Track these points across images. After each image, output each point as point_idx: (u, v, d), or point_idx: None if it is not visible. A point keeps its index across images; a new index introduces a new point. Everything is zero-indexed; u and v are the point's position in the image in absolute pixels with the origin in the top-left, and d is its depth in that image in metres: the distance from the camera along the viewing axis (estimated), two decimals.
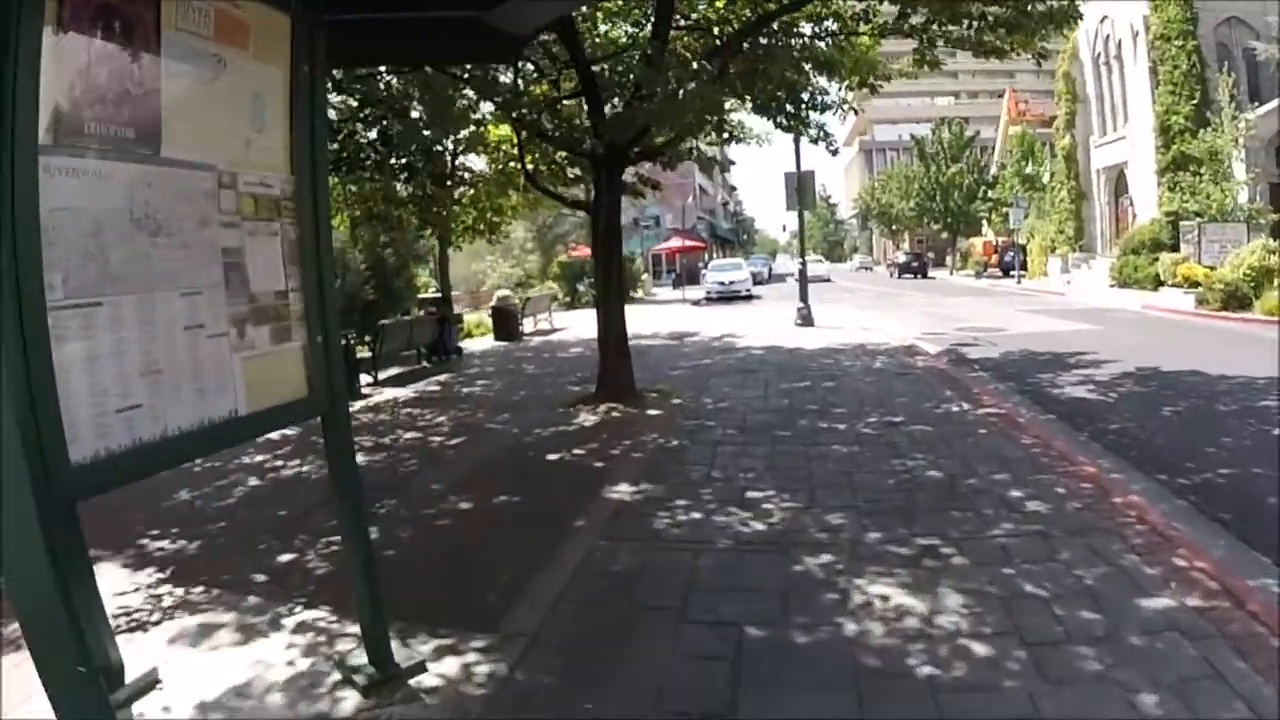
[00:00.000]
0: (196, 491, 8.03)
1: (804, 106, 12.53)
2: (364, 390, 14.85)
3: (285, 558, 6.08)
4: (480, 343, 23.23)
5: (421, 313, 19.67)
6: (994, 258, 53.39)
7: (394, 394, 14.57)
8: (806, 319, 21.20)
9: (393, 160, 14.01)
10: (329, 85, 13.34)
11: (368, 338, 16.88)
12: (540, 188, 14.08)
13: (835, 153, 15.02)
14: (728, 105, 12.82)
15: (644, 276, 46.31)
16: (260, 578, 5.67)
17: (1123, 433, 9.31)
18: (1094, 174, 42.09)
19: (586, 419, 10.92)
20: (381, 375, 16.16)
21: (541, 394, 13.45)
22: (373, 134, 14.53)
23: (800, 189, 20.92)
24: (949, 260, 64.22)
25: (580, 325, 25.93)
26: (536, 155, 14.11)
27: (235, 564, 5.93)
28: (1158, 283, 29.84)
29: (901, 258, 59.79)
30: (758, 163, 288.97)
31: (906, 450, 8.33)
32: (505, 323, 23.31)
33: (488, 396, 13.94)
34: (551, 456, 9.12)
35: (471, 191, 21.38)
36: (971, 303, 30.43)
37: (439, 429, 11.21)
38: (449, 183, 18.80)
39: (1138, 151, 36.60)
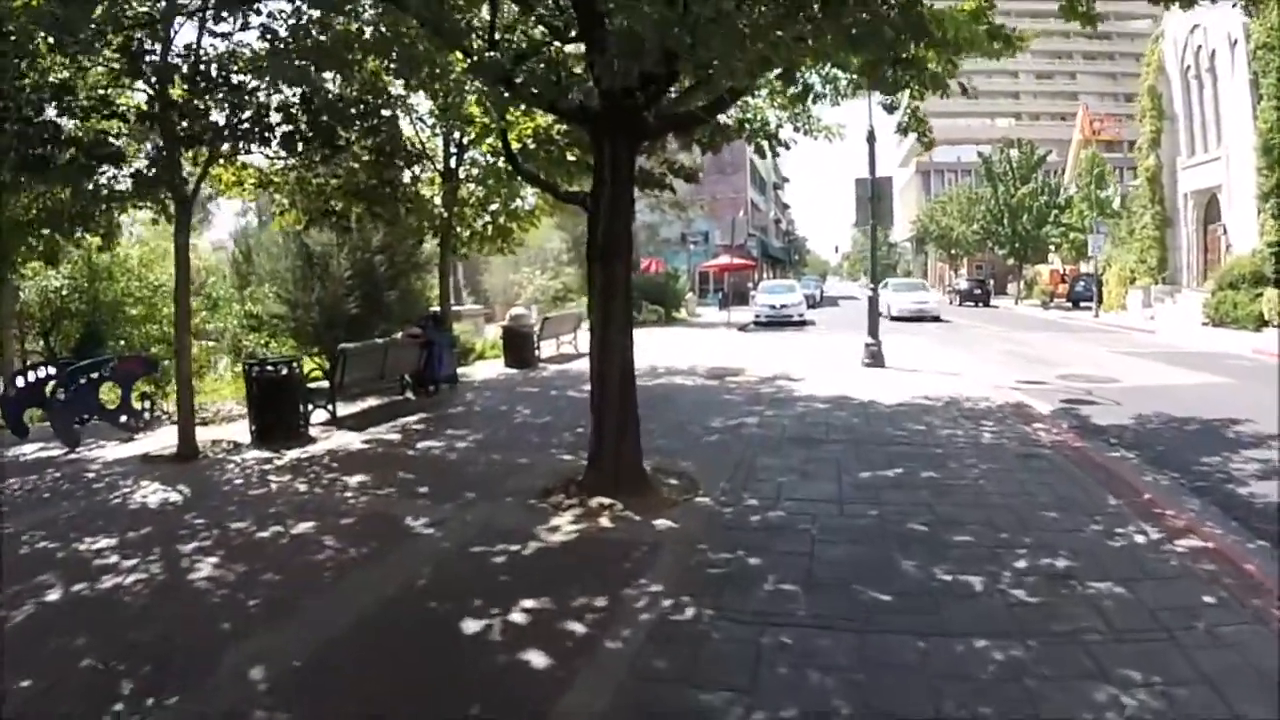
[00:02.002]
0: None
1: (900, 68, 8.24)
2: (313, 432, 11.79)
3: None
4: (488, 368, 19.38)
5: (400, 334, 15.66)
6: (1061, 287, 48.94)
7: (340, 442, 11.13)
8: (876, 358, 16.89)
9: (305, 130, 9.87)
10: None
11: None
12: (526, 174, 9.93)
13: (931, 145, 11.80)
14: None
15: (688, 296, 42.14)
16: None
17: None
18: (1181, 198, 37.55)
19: (559, 530, 6.91)
20: (345, 410, 13.13)
21: (519, 462, 9.51)
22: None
23: (875, 199, 16.61)
24: (1011, 288, 59.64)
25: None
26: (525, 130, 10.04)
27: None
28: (1261, 322, 26.24)
29: (963, 284, 55.03)
30: (809, 179, 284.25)
31: (1108, 655, 4.37)
32: (518, 346, 19.32)
33: (447, 459, 10.08)
34: (471, 627, 5.07)
35: (481, 191, 17.43)
36: (1053, 340, 25.98)
37: (338, 524, 7.34)
38: (439, 174, 14.63)
39: (1234, 174, 32.35)
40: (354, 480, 8.90)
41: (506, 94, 7.23)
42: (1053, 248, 53.99)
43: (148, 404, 12.70)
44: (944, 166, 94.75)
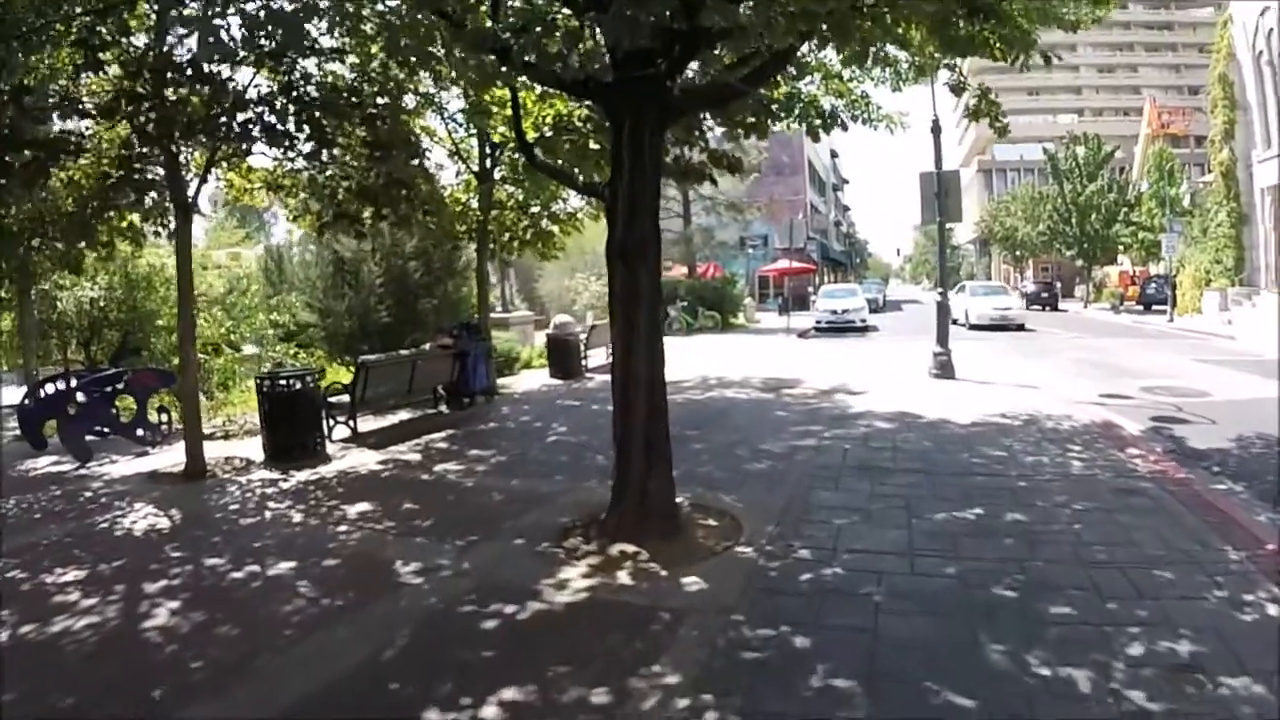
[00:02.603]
0: None
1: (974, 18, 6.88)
2: (331, 449, 11.17)
3: None
4: (533, 378, 18.25)
5: (429, 344, 14.62)
6: (1131, 289, 46.56)
7: (355, 462, 10.35)
8: (945, 369, 15.42)
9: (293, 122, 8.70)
10: None
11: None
12: (542, 166, 8.70)
13: (1005, 131, 10.25)
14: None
15: (746, 301, 40.73)
16: None
17: None
18: (1258, 193, 35.07)
19: (568, 586, 5.75)
20: (373, 425, 12.68)
21: (541, 490, 8.40)
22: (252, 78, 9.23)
23: (942, 193, 15.13)
24: (1079, 290, 57.24)
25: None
26: (544, 116, 8.84)
27: None
28: None
29: (1030, 286, 52.59)
30: (870, 181, 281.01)
31: None
32: (563, 356, 18.16)
33: (464, 485, 9.02)
34: None
35: (519, 194, 16.37)
36: (1129, 347, 24.02)
37: (320, 567, 6.46)
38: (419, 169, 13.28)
39: None
40: (355, 510, 8.00)
41: (502, 67, 6.01)
42: (1122, 248, 51.55)
43: (165, 417, 12.03)
44: (1006, 165, 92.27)
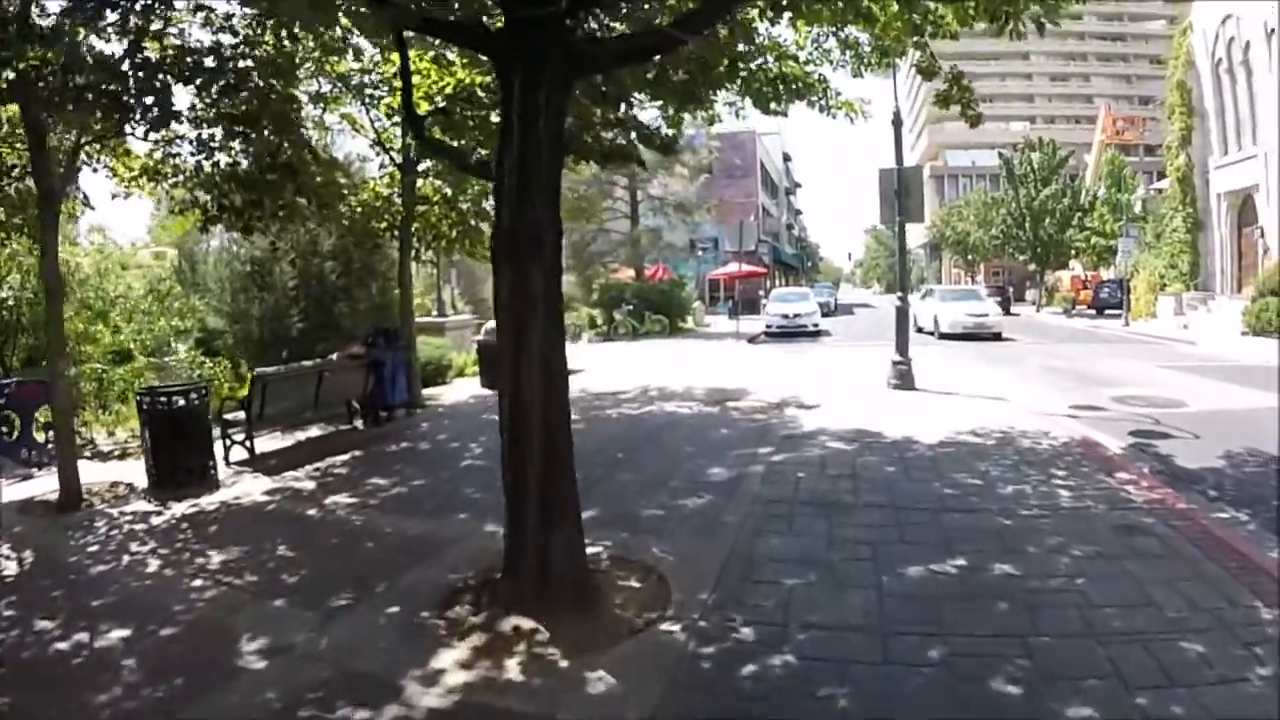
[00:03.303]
0: None
1: None
2: (225, 473, 9.91)
3: None
4: (465, 388, 16.83)
5: (335, 355, 13.17)
6: (1083, 294, 46.05)
7: (244, 490, 9.07)
8: (905, 379, 14.17)
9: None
10: None
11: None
12: (429, 143, 7.27)
13: (978, 120, 9.69)
14: None
15: (695, 305, 39.46)
16: None
17: None
18: (1214, 199, 34.70)
19: (441, 680, 4.39)
20: (276, 444, 11.40)
21: (438, 535, 7.01)
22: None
23: (903, 191, 13.88)
24: (1030, 295, 56.89)
25: (603, 368, 20.04)
26: (441, 85, 7.45)
27: None
28: None
29: (983, 290, 51.95)
30: (822, 185, 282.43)
31: None
32: (494, 364, 16.64)
33: (351, 525, 7.60)
34: None
35: (446, 188, 14.98)
36: (1090, 353, 23.03)
37: (154, 639, 5.19)
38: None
39: (1272, 173, 29.54)
40: (220, 559, 6.67)
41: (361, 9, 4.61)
42: (1075, 252, 51.15)
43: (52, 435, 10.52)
44: (958, 171, 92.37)
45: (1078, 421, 11.48)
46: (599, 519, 6.81)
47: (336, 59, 11.24)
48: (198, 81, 7.62)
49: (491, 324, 17.86)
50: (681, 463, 9.17)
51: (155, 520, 7.90)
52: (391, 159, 14.45)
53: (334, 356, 13.00)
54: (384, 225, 15.06)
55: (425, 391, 16.14)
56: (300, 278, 15.45)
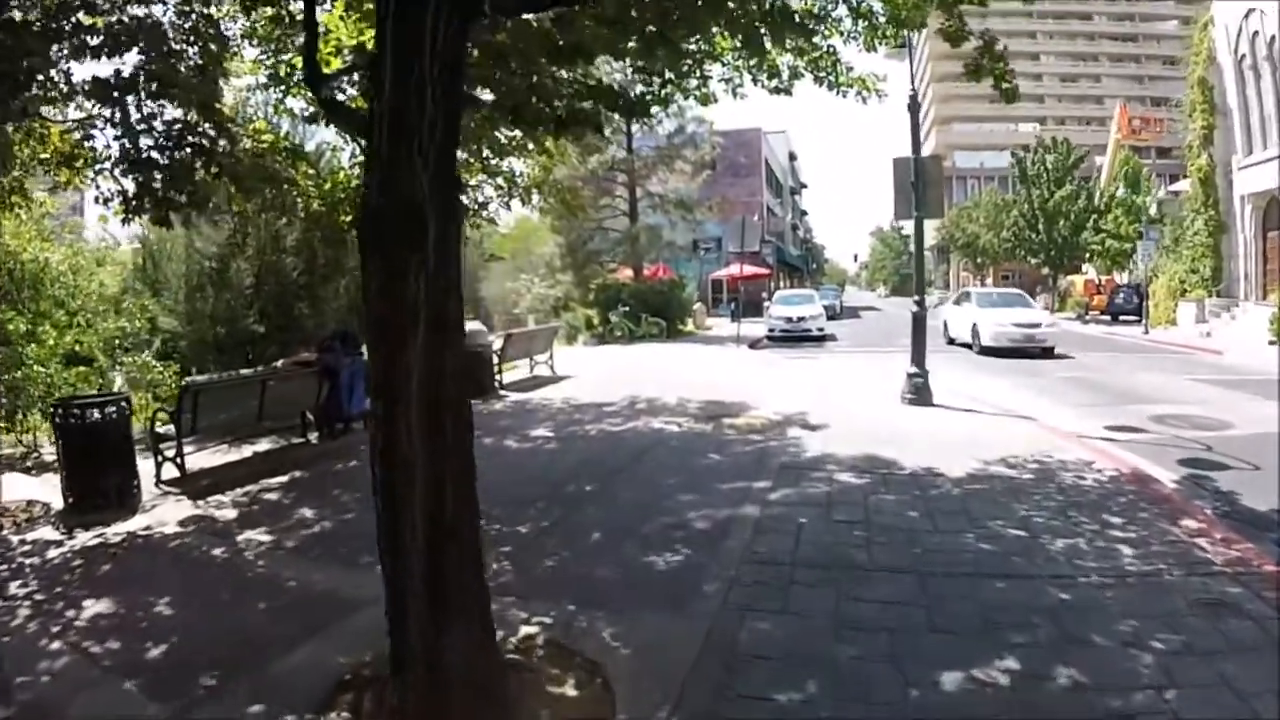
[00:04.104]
0: None
1: None
2: (151, 494, 8.64)
3: None
4: None
5: (281, 362, 11.75)
6: (1097, 299, 44.37)
7: (161, 518, 7.79)
8: (921, 393, 12.62)
9: None
10: None
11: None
12: (332, 107, 5.77)
13: (1013, 95, 8.50)
14: None
15: (696, 307, 37.91)
16: None
17: None
18: (1237, 201, 33.08)
19: None
20: (218, 460, 10.16)
21: (343, 593, 5.59)
22: None
23: (921, 180, 12.29)
24: (1041, 299, 55.32)
25: (592, 374, 18.63)
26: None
27: None
28: None
29: None
30: (827, 184, 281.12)
31: None
32: (475, 369, 15.22)
33: (255, 571, 6.32)
34: None
35: None
36: (1114, 363, 21.23)
37: None
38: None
39: None
40: (93, 613, 5.47)
41: None
42: (1089, 255, 49.59)
43: None
44: (966, 173, 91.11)
45: (1120, 448, 9.99)
46: (544, 579, 5.48)
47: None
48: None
49: (470, 326, 16.46)
50: (661, 499, 7.66)
51: (51, 553, 6.78)
52: (359, 145, 13.09)
53: (279, 363, 11.57)
54: (350, 218, 13.70)
55: None
56: (259, 275, 13.99)
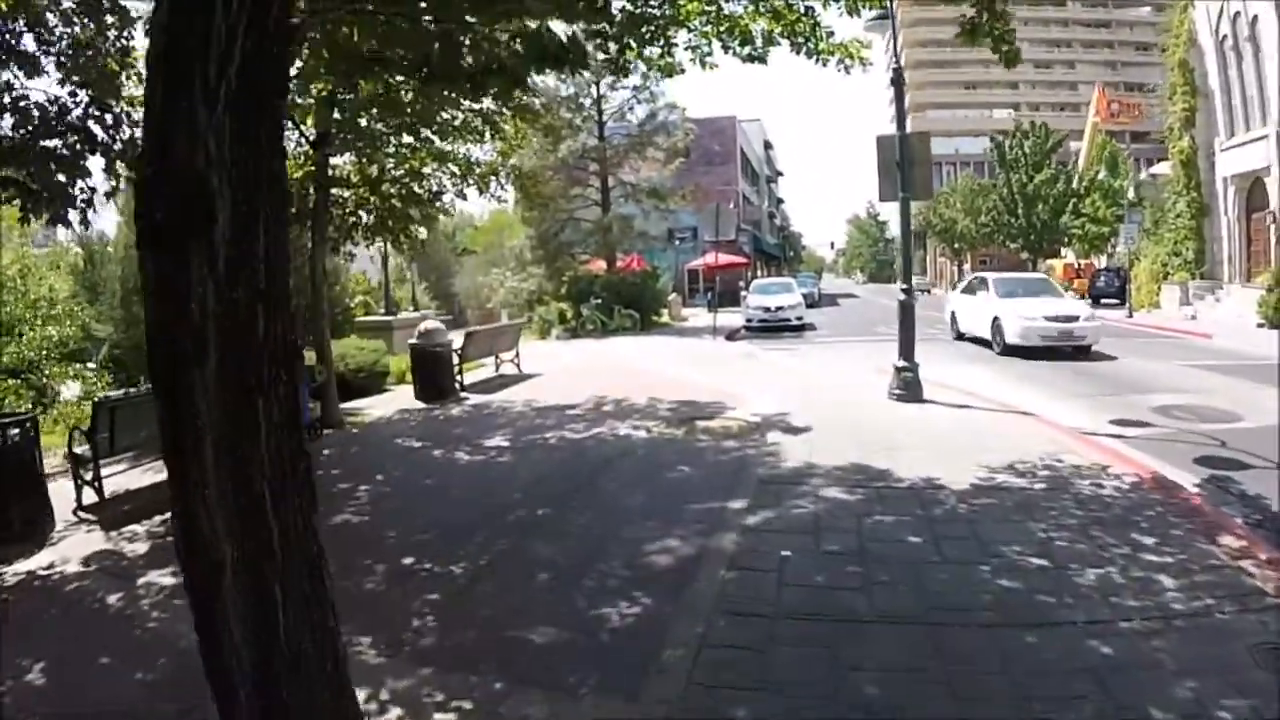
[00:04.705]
0: None
1: None
2: (64, 523, 7.75)
3: None
4: (398, 399, 14.34)
5: None
6: (1077, 283, 43.56)
7: (63, 553, 6.85)
8: (910, 388, 11.57)
9: None
10: None
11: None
12: None
13: (1015, 58, 7.64)
14: None
15: (671, 297, 36.85)
16: None
17: None
18: (1220, 183, 32.49)
19: None
20: (149, 479, 8.93)
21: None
22: None
23: (907, 159, 11.24)
24: None
25: (560, 371, 17.70)
26: None
27: None
28: None
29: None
30: (802, 171, 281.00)
31: None
32: (432, 372, 14.18)
33: (146, 628, 5.25)
34: None
35: (370, 166, 12.64)
36: (1103, 348, 19.94)
37: None
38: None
39: None
40: None
41: None
42: (1069, 239, 49.02)
43: None
44: (941, 159, 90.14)
45: (1130, 446, 9.04)
46: (471, 644, 4.49)
47: None
48: None
49: (428, 324, 15.35)
50: (621, 526, 6.58)
51: None
52: (302, 133, 12.07)
53: None
54: (291, 211, 12.65)
55: (353, 404, 13.71)
56: None
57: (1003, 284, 21.18)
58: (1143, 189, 42.00)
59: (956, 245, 66.41)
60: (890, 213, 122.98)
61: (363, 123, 11.45)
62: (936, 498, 6.90)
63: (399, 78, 7.88)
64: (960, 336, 22.19)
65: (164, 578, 5.98)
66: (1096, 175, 46.72)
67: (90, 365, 14.74)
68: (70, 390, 16.38)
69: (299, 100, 10.88)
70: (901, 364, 11.67)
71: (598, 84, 32.33)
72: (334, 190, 12.58)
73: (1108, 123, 50.54)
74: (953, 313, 23.22)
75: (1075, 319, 18.45)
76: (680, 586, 5.28)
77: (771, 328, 28.08)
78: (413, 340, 14.59)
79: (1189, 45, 33.92)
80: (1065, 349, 18.45)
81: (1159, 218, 36.86)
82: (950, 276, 68.87)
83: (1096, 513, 6.47)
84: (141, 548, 6.84)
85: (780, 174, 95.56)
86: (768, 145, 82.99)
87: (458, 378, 14.88)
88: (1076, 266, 47.05)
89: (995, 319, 19.30)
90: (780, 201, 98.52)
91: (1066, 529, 6.08)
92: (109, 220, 33.06)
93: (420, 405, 13.59)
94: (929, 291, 64.00)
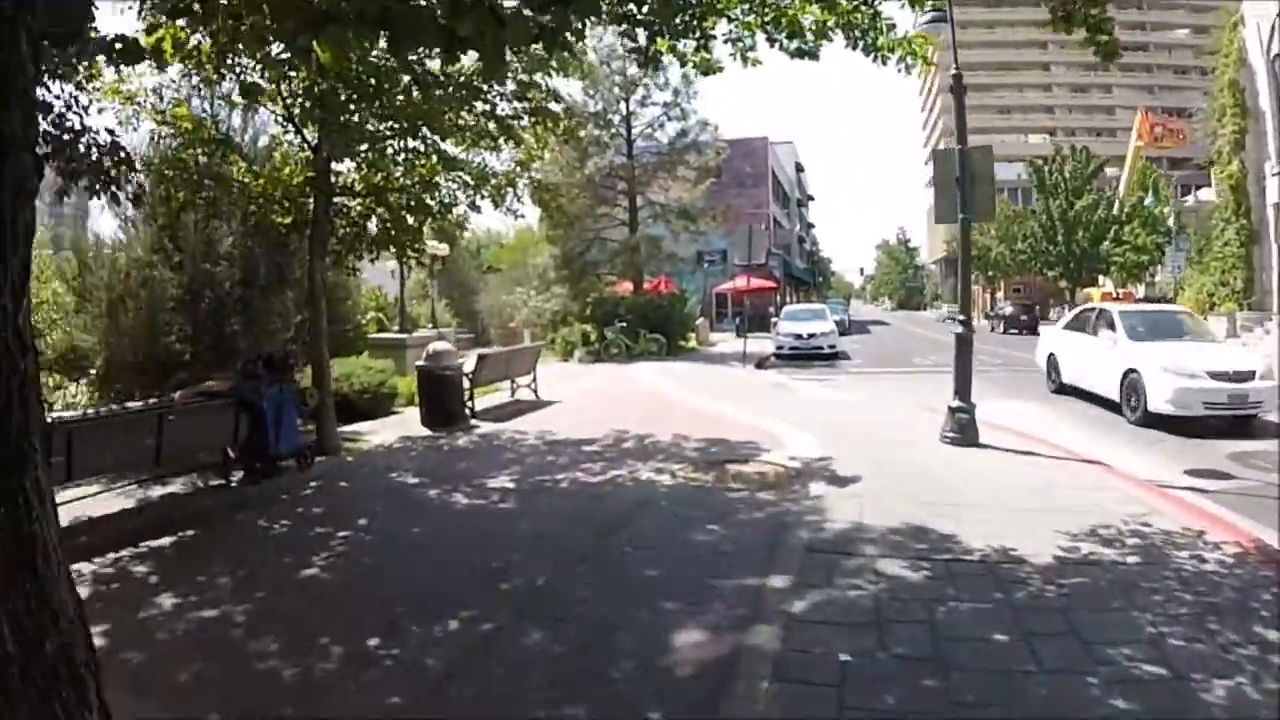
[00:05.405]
0: None
1: None
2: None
3: None
4: (404, 423, 13.41)
5: (179, 392, 9.64)
6: None
7: None
8: (966, 431, 10.30)
9: None
10: None
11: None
12: None
13: (1113, 53, 7.02)
14: None
15: (699, 321, 35.75)
16: None
17: None
18: (1270, 209, 30.90)
19: None
20: (117, 505, 8.50)
21: None
22: None
23: (967, 175, 10.00)
24: (1054, 314, 53.31)
25: (581, 397, 16.81)
26: None
27: None
28: None
29: (1008, 309, 47.65)
30: (832, 196, 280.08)
31: None
32: (440, 396, 13.15)
33: None
34: None
35: (375, 174, 11.71)
36: None
37: None
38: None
39: None
40: None
41: None
42: (1108, 267, 47.67)
43: None
44: None
45: (1218, 504, 7.72)
46: None
47: None
48: None
49: (438, 345, 14.26)
50: (633, 610, 5.32)
51: None
52: (303, 137, 11.14)
53: (176, 395, 9.45)
54: (288, 220, 11.71)
55: (355, 428, 12.71)
56: (189, 287, 11.85)
57: (1134, 320, 15.05)
58: (1183, 216, 40.77)
59: (990, 273, 64.99)
60: (921, 238, 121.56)
61: (355, 118, 10.45)
62: (1017, 574, 5.66)
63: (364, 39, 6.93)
64: (1062, 389, 16.78)
65: (96, 638, 4.94)
66: (1140, 201, 45.38)
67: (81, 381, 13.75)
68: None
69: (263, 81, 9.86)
70: (956, 404, 10.36)
71: (627, 100, 31.46)
72: (336, 199, 11.64)
73: (1150, 146, 49.03)
74: (1051, 355, 17.61)
75: (1250, 376, 12.45)
76: (708, 705, 4.06)
77: (803, 356, 26.88)
78: (420, 362, 13.58)
79: (1239, 65, 32.65)
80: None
81: (1203, 245, 35.52)
82: (982, 305, 67.42)
83: (1206, 596, 5.25)
84: (83, 592, 5.77)
85: (811, 198, 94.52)
86: (799, 168, 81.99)
87: (468, 403, 13.85)
88: (1115, 295, 45.71)
89: (1129, 373, 13.45)
90: (810, 226, 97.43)
91: (1178, 620, 4.87)
92: (108, 223, 32.23)
93: (425, 432, 12.55)
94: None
